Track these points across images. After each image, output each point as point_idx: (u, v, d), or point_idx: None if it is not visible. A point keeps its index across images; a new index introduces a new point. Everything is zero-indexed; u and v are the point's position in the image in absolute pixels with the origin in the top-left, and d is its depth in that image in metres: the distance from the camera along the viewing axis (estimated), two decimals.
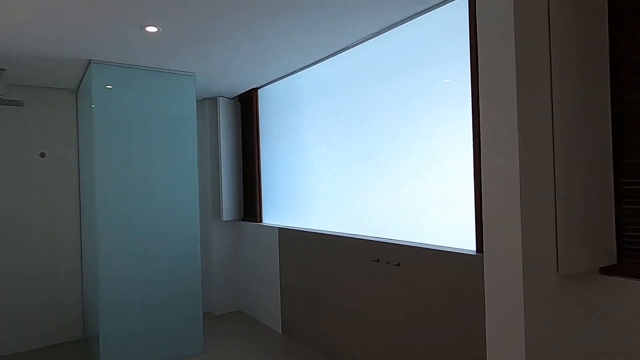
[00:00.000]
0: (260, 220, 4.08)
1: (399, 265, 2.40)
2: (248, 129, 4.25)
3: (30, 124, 3.51)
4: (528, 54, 1.43)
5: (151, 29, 2.35)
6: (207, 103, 4.29)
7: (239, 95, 4.30)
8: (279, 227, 3.60)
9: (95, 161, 2.90)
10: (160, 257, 3.14)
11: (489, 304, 1.57)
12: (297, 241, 3.35)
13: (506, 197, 1.46)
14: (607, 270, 1.61)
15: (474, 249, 2.07)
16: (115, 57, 2.84)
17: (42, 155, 3.58)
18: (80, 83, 3.39)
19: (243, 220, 4.34)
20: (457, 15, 2.17)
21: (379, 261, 2.54)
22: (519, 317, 1.46)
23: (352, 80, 2.91)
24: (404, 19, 2.40)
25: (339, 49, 2.86)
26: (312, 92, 3.32)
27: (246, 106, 4.28)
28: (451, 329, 2.11)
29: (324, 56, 3.01)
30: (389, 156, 2.62)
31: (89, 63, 2.88)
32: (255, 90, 4.07)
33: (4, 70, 3.00)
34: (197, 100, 4.31)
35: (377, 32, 2.57)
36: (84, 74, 3.14)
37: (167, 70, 3.16)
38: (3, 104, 3.00)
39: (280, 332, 3.64)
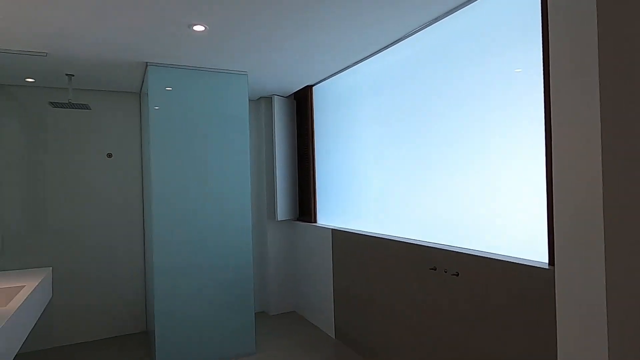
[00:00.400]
0: (315, 221, 3.99)
1: (457, 275, 2.17)
2: (303, 127, 4.18)
3: (97, 126, 3.71)
4: (612, 38, 1.17)
5: (198, 27, 2.33)
6: (263, 102, 4.28)
7: (294, 93, 4.24)
8: (332, 229, 3.48)
9: (152, 161, 2.97)
10: (213, 256, 3.16)
11: (561, 328, 1.33)
12: (350, 243, 3.21)
13: (584, 203, 1.21)
14: None
15: (546, 260, 1.79)
16: (168, 59, 2.89)
17: (109, 155, 3.78)
18: (142, 86, 3.52)
19: (298, 220, 4.28)
20: None
21: (435, 269, 2.32)
22: (599, 345, 1.21)
23: (410, 74, 2.70)
24: (466, 1, 2.16)
25: (395, 39, 2.67)
26: (368, 88, 3.16)
27: (301, 104, 4.21)
28: (514, 350, 1.85)
29: (379, 48, 2.83)
30: (450, 155, 2.39)
31: (147, 66, 2.96)
32: (310, 87, 3.98)
33: (72, 75, 3.18)
34: (253, 100, 4.32)
35: (436, 18, 2.35)
36: (144, 76, 3.24)
37: (219, 70, 3.17)
38: (72, 108, 3.18)
39: (334, 337, 3.52)
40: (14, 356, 1.66)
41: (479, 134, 2.19)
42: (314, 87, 3.97)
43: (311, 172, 4.02)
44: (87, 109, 3.27)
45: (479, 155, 2.19)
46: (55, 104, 3.14)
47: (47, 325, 3.51)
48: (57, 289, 3.52)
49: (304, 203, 4.19)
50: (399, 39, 2.66)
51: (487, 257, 2.01)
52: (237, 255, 3.24)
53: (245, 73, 3.26)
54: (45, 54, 2.66)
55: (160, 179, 2.99)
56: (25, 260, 3.42)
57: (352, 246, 3.17)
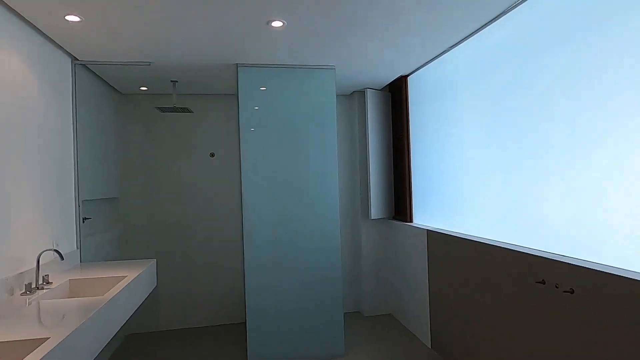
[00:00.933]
0: (411, 220, 3.74)
1: (572, 292, 1.78)
2: (398, 120, 3.95)
3: (200, 128, 3.98)
4: None
5: (277, 23, 2.30)
6: (356, 96, 4.15)
7: (389, 85, 4.03)
8: (427, 229, 3.21)
9: (242, 160, 3.06)
10: (301, 254, 3.14)
11: None
12: (446, 246, 2.91)
13: None
14: None
15: None
16: (255, 59, 2.93)
17: (212, 155, 4.02)
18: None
19: (394, 219, 4.07)
20: None
21: (544, 283, 1.95)
22: None
23: (517, 52, 2.32)
24: None
25: (499, 12, 2.31)
26: (468, 74, 2.82)
27: (396, 96, 3.98)
28: None
29: (480, 25, 2.48)
30: (567, 149, 1.98)
31: (237, 67, 3.04)
32: (404, 78, 3.73)
33: (176, 82, 3.43)
34: (346, 94, 4.22)
35: None
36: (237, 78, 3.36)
37: (306, 66, 3.13)
38: (177, 112, 3.44)
39: (429, 347, 3.25)
40: (109, 340, 1.80)
41: (610, 120, 1.76)
42: (408, 78, 3.71)
43: (406, 168, 3.77)
44: (190, 112, 3.50)
45: (609, 148, 1.76)
46: (162, 109, 3.43)
47: (155, 310, 3.88)
48: (165, 278, 3.87)
49: (400, 201, 3.96)
50: (504, 11, 2.30)
51: (612, 274, 1.60)
52: (326, 254, 3.18)
53: (332, 67, 3.16)
54: (149, 63, 2.90)
55: (250, 177, 3.07)
56: (140, 252, 3.82)
57: (449, 249, 2.87)
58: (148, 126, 3.87)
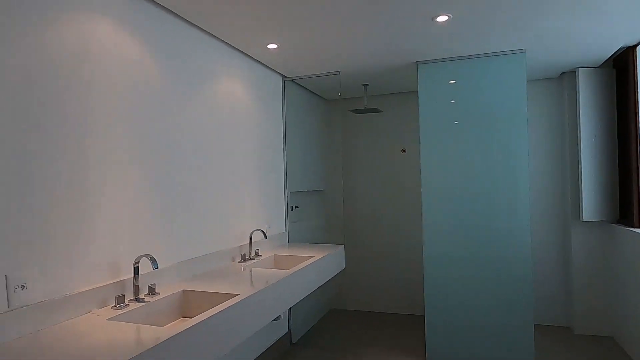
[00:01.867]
0: (639, 225, 3.01)
1: None
2: (624, 102, 3.21)
3: (391, 125, 4.19)
4: None
5: (442, 18, 2.27)
6: (566, 78, 3.57)
7: (612, 60, 3.31)
8: None
9: (421, 156, 3.11)
10: (484, 254, 2.97)
11: None
12: None
13: None
14: None
15: None
16: (432, 54, 2.92)
17: (403, 151, 4.18)
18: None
19: (618, 222, 3.34)
20: None
21: None
22: None
23: None
24: None
25: None
26: None
27: (621, 73, 3.24)
28: None
29: None
30: None
31: (417, 65, 3.11)
32: (631, 49, 3.01)
33: (367, 85, 3.74)
34: (552, 77, 3.70)
35: None
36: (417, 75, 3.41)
37: (490, 54, 2.92)
38: (367, 112, 3.75)
39: None
40: (289, 305, 2.22)
41: None
42: (638, 48, 2.98)
43: (636, 160, 3.04)
44: (379, 111, 3.75)
45: None
46: (355, 111, 3.80)
47: (343, 291, 4.31)
48: (359, 263, 4.26)
49: (625, 201, 3.22)
50: None
51: None
52: (513, 257, 2.91)
53: (522, 51, 2.86)
54: (338, 72, 3.28)
55: (430, 173, 3.09)
56: (337, 238, 4.33)
57: None
58: (347, 127, 4.33)
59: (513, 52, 2.88)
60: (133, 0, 1.86)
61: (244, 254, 2.63)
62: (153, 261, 1.68)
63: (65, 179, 1.52)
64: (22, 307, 1.35)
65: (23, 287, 1.36)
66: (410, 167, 4.14)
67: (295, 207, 3.70)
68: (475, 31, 2.50)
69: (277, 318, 2.51)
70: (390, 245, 4.23)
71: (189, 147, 2.23)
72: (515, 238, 2.91)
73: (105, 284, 1.67)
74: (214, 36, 2.44)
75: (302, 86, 3.76)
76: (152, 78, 1.98)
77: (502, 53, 2.90)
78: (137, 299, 1.74)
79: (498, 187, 2.95)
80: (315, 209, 4.15)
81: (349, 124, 4.33)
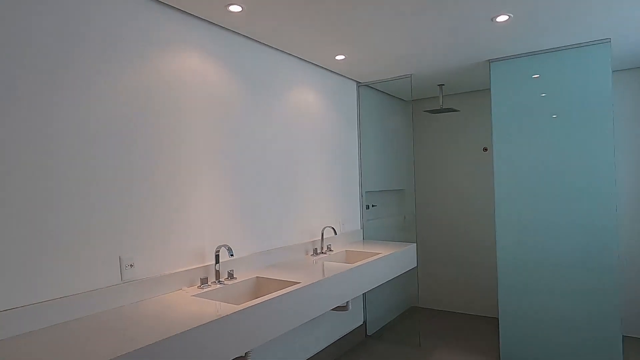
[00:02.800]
0: None
1: None
2: None
3: (471, 124, 4.11)
4: None
5: (501, 18, 2.26)
6: None
7: None
8: None
9: (494, 156, 3.05)
10: (565, 259, 2.82)
11: None
12: None
13: None
14: None
15: None
16: (504, 50, 2.86)
17: (485, 149, 4.08)
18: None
19: None
20: None
21: None
22: None
23: None
24: None
25: None
26: None
27: None
28: None
29: None
30: None
31: (489, 63, 3.06)
32: None
33: (443, 85, 3.74)
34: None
35: None
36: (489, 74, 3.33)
37: (570, 46, 2.76)
38: (443, 112, 3.75)
39: None
40: (350, 297, 2.41)
41: None
42: None
43: None
44: (456, 110, 3.73)
45: None
46: (431, 111, 3.82)
47: (423, 290, 4.32)
48: (433, 261, 4.26)
49: None
50: None
51: None
52: (597, 261, 2.72)
53: (606, 40, 2.65)
54: (409, 75, 3.36)
55: (503, 171, 3.02)
56: (412, 236, 4.37)
57: None
58: (424, 127, 4.36)
59: (597, 42, 2.69)
60: (215, 33, 2.22)
61: (316, 249, 2.89)
62: (229, 250, 2.01)
63: (162, 183, 1.93)
64: (130, 281, 1.76)
65: (132, 266, 1.78)
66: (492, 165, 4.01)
67: (372, 205, 3.86)
68: (555, 23, 2.41)
69: (345, 308, 2.73)
70: (469, 246, 4.16)
71: (266, 153, 2.56)
72: (600, 241, 2.71)
73: (193, 267, 2.05)
74: (285, 52, 2.74)
75: (379, 90, 3.90)
76: (233, 95, 2.33)
77: (584, 44, 2.73)
78: (218, 282, 2.09)
79: (580, 187, 2.78)
80: (394, 208, 4.26)
81: (426, 124, 4.35)
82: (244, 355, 1.95)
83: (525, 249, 2.95)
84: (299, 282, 2.06)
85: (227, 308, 1.65)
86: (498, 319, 3.03)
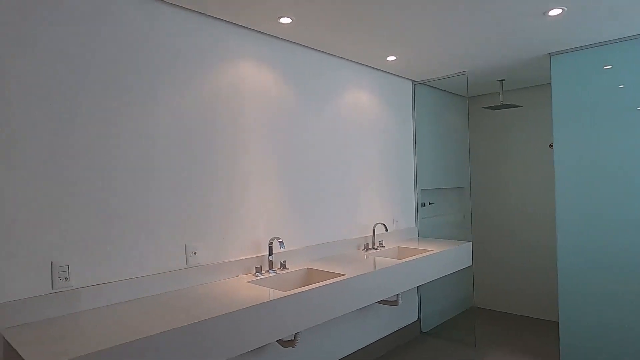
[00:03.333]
0: None
1: None
2: None
3: (534, 120, 3.93)
4: None
5: (554, 12, 2.19)
6: None
7: None
8: None
9: (554, 152, 2.93)
10: (631, 262, 2.64)
11: None
12: None
13: None
14: None
15: None
16: (566, 42, 2.73)
17: (551, 146, 3.88)
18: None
19: None
20: None
21: None
22: None
23: None
24: None
25: None
26: None
27: None
28: None
29: None
30: None
31: (550, 57, 2.93)
32: None
33: (503, 80, 3.63)
34: None
35: None
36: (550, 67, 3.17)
37: (630, 37, 2.57)
38: (503, 108, 3.65)
39: None
40: (395, 291, 2.49)
41: None
42: None
43: None
44: (517, 106, 3.61)
45: None
46: (491, 107, 3.73)
47: (482, 290, 4.20)
48: (485, 261, 4.13)
49: None
50: None
51: None
52: None
53: None
54: (465, 72, 3.32)
55: (565, 168, 2.89)
56: (474, 236, 4.27)
57: None
58: (485, 124, 4.24)
59: None
60: (268, 42, 2.42)
61: (367, 244, 3.00)
62: (281, 243, 2.20)
63: (223, 180, 2.16)
64: (194, 266, 2.02)
65: (195, 253, 2.03)
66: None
67: (429, 203, 3.87)
68: (614, 13, 2.29)
69: (395, 303, 2.82)
70: (528, 246, 3.98)
71: (319, 151, 2.72)
72: None
73: (249, 257, 2.27)
74: (335, 56, 2.87)
75: (436, 87, 3.89)
76: (287, 98, 2.52)
77: None
78: (271, 271, 2.29)
79: None
80: (453, 206, 4.21)
81: (485, 120, 4.23)
82: (293, 337, 2.14)
83: (588, 251, 2.80)
84: (344, 275, 2.19)
85: (278, 293, 1.83)
86: (558, 322, 2.91)
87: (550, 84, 3.05)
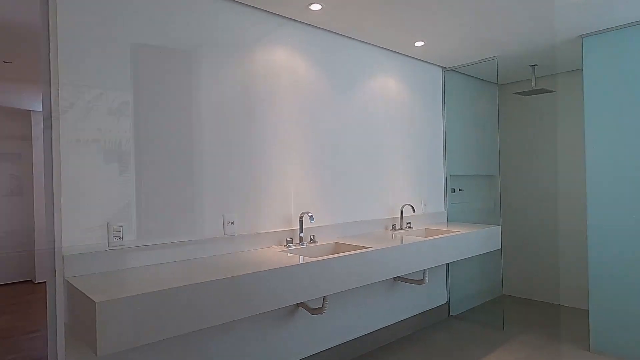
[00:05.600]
0: None
1: None
2: None
3: (563, 107, 3.88)
4: None
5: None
6: None
7: None
8: None
9: (585, 142, 2.91)
10: None
11: None
12: None
13: None
14: None
15: None
16: (595, 24, 2.71)
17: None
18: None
19: None
20: None
21: None
22: None
23: None
24: None
25: None
26: None
27: None
28: None
29: None
30: None
31: (582, 39, 2.91)
32: None
33: (536, 65, 3.61)
34: None
35: None
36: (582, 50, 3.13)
37: None
38: (535, 94, 3.62)
39: None
40: (414, 269, 2.58)
41: None
42: None
43: None
44: (550, 91, 3.58)
45: None
46: (523, 93, 3.72)
47: (514, 278, 4.18)
48: (513, 249, 4.12)
49: None
50: None
51: None
52: None
53: None
54: (495, 57, 3.34)
55: (597, 158, 2.87)
56: (504, 222, 4.26)
57: None
58: (517, 110, 4.21)
59: None
60: (299, 29, 2.57)
61: (395, 224, 3.10)
62: (311, 217, 2.35)
63: (258, 157, 2.33)
64: (230, 235, 2.20)
65: (232, 223, 2.21)
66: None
67: (460, 189, 3.91)
68: None
69: (422, 281, 2.90)
70: (562, 236, 3.93)
71: (350, 134, 2.84)
72: None
73: (281, 230, 2.44)
74: (363, 42, 2.97)
75: (466, 74, 3.91)
76: (317, 82, 2.66)
77: None
78: (301, 243, 2.44)
79: None
80: (484, 193, 4.22)
81: (517, 107, 4.20)
82: (322, 304, 2.28)
83: (620, 240, 2.77)
84: (370, 247, 2.31)
85: (308, 259, 1.98)
86: (588, 311, 2.91)
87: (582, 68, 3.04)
